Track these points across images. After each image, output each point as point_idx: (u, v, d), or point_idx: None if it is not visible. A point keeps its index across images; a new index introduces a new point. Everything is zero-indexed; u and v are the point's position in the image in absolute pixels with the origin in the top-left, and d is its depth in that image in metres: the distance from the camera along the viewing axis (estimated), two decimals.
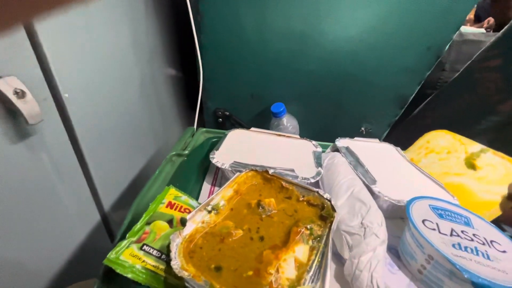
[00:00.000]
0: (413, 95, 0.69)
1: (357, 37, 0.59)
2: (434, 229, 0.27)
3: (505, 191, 0.36)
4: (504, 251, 0.27)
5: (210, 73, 0.71)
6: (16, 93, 0.29)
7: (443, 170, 0.42)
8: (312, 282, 0.23)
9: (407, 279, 0.28)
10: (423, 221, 0.28)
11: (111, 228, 0.55)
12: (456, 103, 0.63)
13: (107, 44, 0.47)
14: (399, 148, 0.49)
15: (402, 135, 0.74)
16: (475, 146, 0.42)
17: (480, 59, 0.58)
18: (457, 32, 0.60)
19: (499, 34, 0.55)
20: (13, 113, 0.31)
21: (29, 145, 0.34)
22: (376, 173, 0.38)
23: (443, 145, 0.44)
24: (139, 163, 0.64)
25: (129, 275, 0.23)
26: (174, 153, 0.45)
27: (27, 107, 0.30)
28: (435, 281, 0.26)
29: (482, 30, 0.89)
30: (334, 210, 0.30)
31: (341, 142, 0.47)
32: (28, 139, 0.33)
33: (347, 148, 0.45)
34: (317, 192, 0.33)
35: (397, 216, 0.37)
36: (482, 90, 0.56)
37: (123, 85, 0.54)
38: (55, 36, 0.36)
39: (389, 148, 0.49)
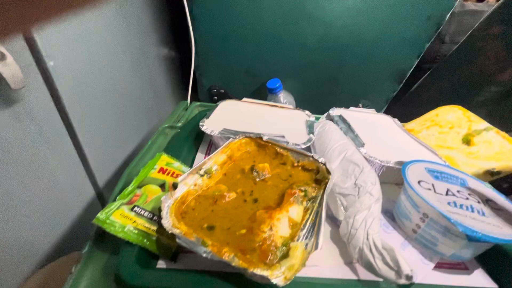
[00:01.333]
0: (412, 68, 0.67)
1: (355, 7, 0.57)
2: (429, 189, 0.27)
3: (490, 167, 0.36)
4: (499, 209, 0.27)
5: (203, 49, 0.69)
6: None
7: (438, 142, 0.42)
8: (305, 238, 0.23)
9: (401, 238, 0.28)
10: (419, 182, 0.28)
11: (106, 204, 0.55)
12: (455, 75, 0.61)
13: (93, 14, 0.45)
14: (396, 119, 0.48)
15: (400, 111, 0.73)
16: (481, 124, 0.42)
17: (481, 28, 0.56)
18: (458, 2, 0.58)
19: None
20: None
21: (14, 113, 0.32)
22: (366, 138, 0.38)
23: (449, 119, 0.44)
24: (133, 140, 0.63)
25: (120, 235, 0.23)
26: (166, 125, 0.44)
27: (8, 70, 0.29)
28: (429, 239, 0.26)
29: None
30: (329, 173, 0.30)
31: (335, 111, 0.46)
32: (13, 106, 0.32)
33: (340, 116, 0.44)
34: (312, 156, 0.32)
35: (390, 181, 0.36)
36: (482, 60, 0.55)
37: (112, 58, 0.52)
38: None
39: (385, 119, 0.49)
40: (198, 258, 0.24)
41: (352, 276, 0.25)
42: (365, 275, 0.25)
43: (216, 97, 0.80)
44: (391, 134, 0.43)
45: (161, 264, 0.24)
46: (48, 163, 0.39)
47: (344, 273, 0.25)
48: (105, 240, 0.26)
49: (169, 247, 0.24)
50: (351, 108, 0.49)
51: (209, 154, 0.40)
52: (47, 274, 0.36)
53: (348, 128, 0.41)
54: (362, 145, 0.36)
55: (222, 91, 0.78)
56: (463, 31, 0.64)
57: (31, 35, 0.33)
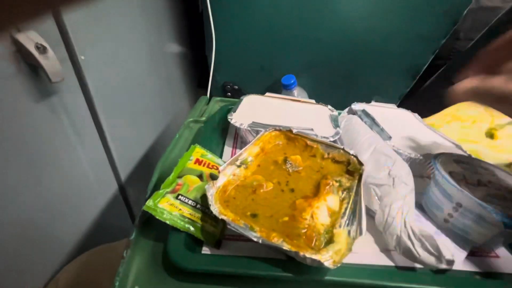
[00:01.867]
0: (427, 65, 0.68)
1: (372, 1, 0.58)
2: (461, 179, 0.28)
3: None
4: None
5: (219, 45, 0.69)
6: (37, 48, 0.29)
7: (461, 137, 0.43)
8: (347, 225, 0.24)
9: (433, 227, 0.29)
10: (450, 173, 0.29)
11: (128, 198, 0.56)
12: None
13: (119, 11, 0.46)
14: (416, 114, 0.49)
15: (413, 107, 0.74)
16: (504, 119, 0.42)
17: (497, 24, 0.56)
18: None
19: None
20: (35, 70, 0.30)
21: (50, 105, 0.33)
22: (391, 132, 0.38)
23: (471, 114, 0.44)
24: (151, 135, 0.64)
25: (168, 222, 0.23)
26: (191, 119, 0.45)
27: (49, 63, 0.29)
28: (462, 228, 0.27)
29: None
30: (361, 164, 0.31)
31: (357, 106, 0.47)
32: (50, 98, 0.33)
33: (363, 111, 0.45)
34: (343, 149, 0.33)
35: (415, 174, 0.37)
36: None
37: (134, 54, 0.53)
38: None
39: (405, 113, 0.49)
40: (241, 245, 0.25)
41: (390, 263, 0.25)
42: (402, 262, 0.25)
43: (229, 93, 0.80)
44: (414, 128, 0.43)
45: (205, 250, 0.25)
46: (79, 155, 0.40)
47: (382, 259, 0.26)
48: (148, 227, 0.26)
49: (213, 234, 0.25)
50: (372, 103, 0.49)
51: (236, 147, 0.41)
52: (79, 265, 0.37)
53: (372, 122, 0.41)
54: (389, 138, 0.36)
55: (236, 87, 0.79)
56: (478, 28, 0.65)
57: (66, 29, 0.34)
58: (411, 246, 0.23)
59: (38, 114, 0.32)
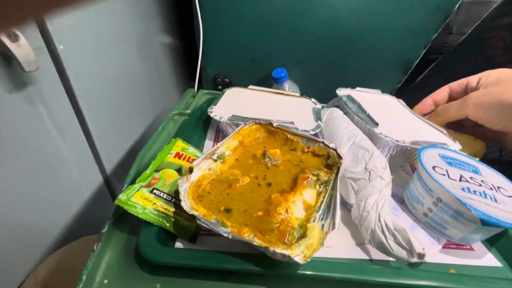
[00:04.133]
0: (418, 59, 0.67)
1: None
2: (444, 175, 0.28)
3: None
4: (510, 196, 0.27)
5: (209, 37, 0.68)
6: (9, 36, 0.28)
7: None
8: (321, 219, 0.24)
9: (410, 220, 0.29)
10: (433, 167, 0.28)
11: (114, 191, 0.55)
12: (462, 66, 0.61)
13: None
14: (401, 100, 0.49)
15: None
16: None
17: (489, 18, 0.56)
18: None
19: None
20: (8, 59, 0.29)
21: (26, 96, 0.32)
22: (378, 117, 0.38)
23: None
24: (138, 127, 0.63)
25: (141, 216, 0.23)
26: (176, 112, 0.44)
27: (21, 51, 0.28)
28: (439, 223, 0.27)
29: None
30: (340, 158, 0.30)
31: (342, 91, 0.46)
32: (25, 89, 0.32)
33: (349, 96, 0.44)
34: (323, 142, 0.33)
35: (398, 163, 0.37)
36: (489, 51, 0.55)
37: (119, 44, 0.51)
38: None
39: (390, 99, 0.49)
40: (216, 240, 0.25)
41: (364, 256, 0.25)
42: (377, 255, 0.25)
43: (220, 86, 0.79)
44: (399, 114, 0.43)
45: (179, 244, 0.24)
46: (59, 148, 0.39)
47: (357, 253, 0.26)
48: (122, 220, 0.26)
49: (188, 228, 0.24)
50: (358, 88, 0.49)
51: (217, 141, 0.40)
52: (60, 257, 0.36)
53: (358, 108, 0.41)
54: (376, 125, 0.36)
55: (227, 80, 0.78)
56: (471, 22, 0.64)
57: (42, 17, 0.33)
58: (384, 240, 0.23)
59: (12, 105, 0.31)
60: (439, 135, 0.37)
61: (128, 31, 0.54)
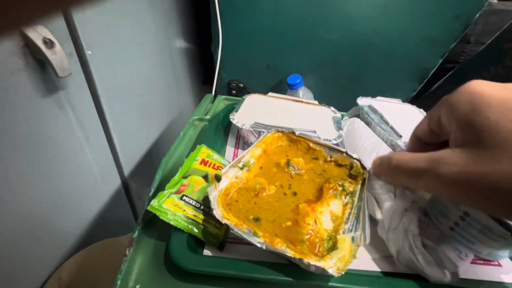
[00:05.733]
0: (435, 68, 0.67)
1: (381, 2, 0.57)
2: None
3: None
4: None
5: (226, 42, 0.69)
6: (45, 42, 0.29)
7: None
8: (350, 231, 0.24)
9: (436, 234, 0.29)
10: None
11: (130, 194, 0.56)
12: (481, 76, 0.61)
13: (127, 6, 0.46)
14: (422, 109, 0.48)
15: None
16: None
17: (510, 28, 0.55)
18: (488, 1, 0.57)
19: None
20: (43, 65, 0.30)
21: (57, 100, 0.33)
22: (400, 129, 0.37)
23: None
24: (155, 130, 0.64)
25: (172, 222, 0.24)
26: (196, 117, 0.45)
27: (56, 58, 0.29)
28: (467, 237, 0.27)
29: None
30: (364, 168, 0.30)
31: (363, 101, 0.46)
32: (57, 93, 0.33)
33: (370, 106, 0.44)
34: (346, 152, 0.33)
35: None
36: (510, 62, 0.54)
37: (141, 49, 0.52)
38: None
39: (411, 108, 0.48)
40: (243, 248, 0.25)
41: (391, 270, 0.25)
42: (404, 268, 0.25)
43: (234, 91, 0.80)
44: None
45: (207, 252, 0.25)
46: (84, 150, 0.40)
47: (384, 266, 0.25)
48: (151, 226, 0.27)
49: (216, 235, 0.25)
50: (378, 97, 0.49)
51: (238, 147, 0.41)
52: (82, 259, 0.37)
53: (380, 119, 0.40)
54: (400, 137, 0.36)
55: (241, 85, 0.78)
56: (490, 31, 0.64)
57: (74, 23, 0.34)
58: (413, 258, 0.23)
59: (45, 109, 0.32)
60: None
61: (149, 36, 0.55)
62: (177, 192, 0.26)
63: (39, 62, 0.30)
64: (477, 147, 0.18)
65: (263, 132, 0.37)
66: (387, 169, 0.25)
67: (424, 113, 0.47)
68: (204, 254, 0.25)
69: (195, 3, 0.77)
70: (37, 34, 0.28)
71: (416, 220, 0.25)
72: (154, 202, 0.24)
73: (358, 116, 0.45)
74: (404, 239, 0.24)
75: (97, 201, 0.46)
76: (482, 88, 0.19)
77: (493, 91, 0.18)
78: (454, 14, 0.56)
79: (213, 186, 0.26)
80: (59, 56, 0.30)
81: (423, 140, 0.27)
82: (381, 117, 0.40)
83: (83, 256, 0.37)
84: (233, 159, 0.38)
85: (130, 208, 0.57)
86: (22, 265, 0.34)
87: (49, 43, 0.29)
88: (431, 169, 0.20)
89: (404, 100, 0.76)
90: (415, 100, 0.75)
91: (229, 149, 0.40)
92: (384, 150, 0.33)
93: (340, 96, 0.76)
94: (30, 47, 0.28)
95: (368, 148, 0.35)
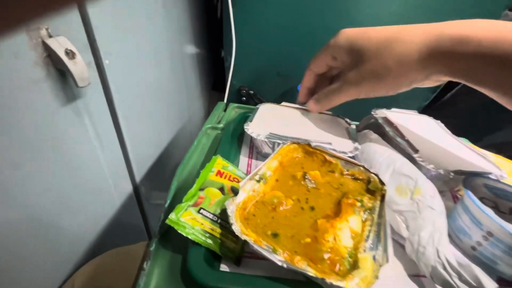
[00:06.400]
0: None
1: (398, 12, 0.56)
2: (493, 207, 0.27)
3: None
4: None
5: (237, 49, 0.69)
6: (67, 53, 0.29)
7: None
8: (371, 250, 0.23)
9: (458, 253, 0.28)
10: (481, 198, 0.28)
11: (141, 200, 0.56)
12: None
13: (143, 14, 0.46)
14: (439, 121, 0.47)
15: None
16: None
17: None
18: (504, 13, 0.56)
19: None
20: (63, 74, 0.31)
21: (75, 108, 0.34)
22: (417, 143, 0.37)
23: None
24: (165, 138, 0.64)
25: (190, 237, 0.23)
26: (209, 126, 0.45)
27: (77, 68, 0.30)
28: (490, 258, 0.26)
29: None
30: (382, 184, 0.30)
31: (378, 113, 0.45)
32: (75, 102, 0.33)
33: (385, 119, 0.43)
34: (363, 166, 0.32)
35: (441, 189, 0.36)
36: None
37: (155, 56, 0.53)
38: (98, 2, 0.35)
39: (428, 120, 0.48)
40: (260, 263, 0.25)
41: None
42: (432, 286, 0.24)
43: (244, 98, 0.80)
44: (439, 137, 0.41)
45: (224, 267, 0.24)
46: (98, 157, 0.40)
47: (410, 286, 0.25)
48: (166, 238, 0.26)
49: (233, 250, 0.24)
50: (393, 109, 0.48)
51: (251, 157, 0.41)
52: (94, 268, 0.37)
53: (395, 133, 0.40)
54: (416, 151, 0.35)
55: (251, 92, 0.79)
56: None
57: (93, 34, 0.35)
58: (448, 278, 0.22)
59: (63, 117, 0.32)
60: (482, 162, 0.36)
61: (163, 43, 0.55)
62: (194, 205, 0.26)
63: (60, 72, 0.30)
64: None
65: (278, 143, 0.37)
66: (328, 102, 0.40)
67: (441, 125, 0.46)
68: (221, 269, 0.24)
69: (207, 10, 0.78)
70: (59, 45, 0.28)
71: (446, 235, 0.24)
72: (172, 215, 0.24)
73: (370, 126, 0.45)
74: (436, 259, 0.23)
75: (109, 207, 0.46)
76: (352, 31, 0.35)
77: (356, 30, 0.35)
78: None
79: (231, 199, 0.26)
80: (80, 67, 0.30)
81: (318, 73, 0.41)
82: (396, 130, 0.40)
83: (96, 264, 0.37)
84: (247, 170, 0.38)
85: (140, 213, 0.58)
86: (37, 267, 0.34)
87: (70, 54, 0.29)
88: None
89: (417, 109, 0.76)
90: (428, 109, 0.74)
91: (243, 159, 0.40)
92: (401, 164, 0.33)
93: (352, 105, 0.76)
94: (52, 58, 0.29)
95: (384, 163, 0.34)
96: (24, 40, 0.26)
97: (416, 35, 0.30)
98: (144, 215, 0.58)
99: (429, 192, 0.28)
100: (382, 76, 0.32)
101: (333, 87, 0.38)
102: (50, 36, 0.28)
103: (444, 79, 0.31)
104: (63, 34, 0.30)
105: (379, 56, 0.32)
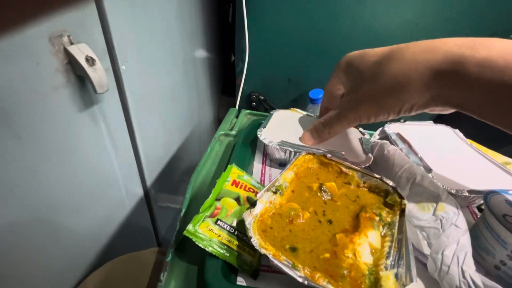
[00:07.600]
0: None
1: (413, 21, 0.56)
2: None
3: None
4: None
5: (250, 55, 0.69)
6: (87, 60, 0.29)
7: None
8: (393, 268, 0.23)
9: (481, 274, 0.27)
10: (504, 215, 0.27)
11: (151, 204, 0.56)
12: None
13: (157, 18, 0.46)
14: (457, 130, 0.46)
15: None
16: None
17: None
18: None
19: None
20: (82, 81, 0.31)
21: (92, 114, 0.34)
22: (431, 160, 0.36)
23: None
24: (176, 142, 0.64)
25: (208, 249, 0.23)
26: (222, 132, 0.45)
27: (96, 75, 0.30)
28: None
29: None
30: (401, 198, 0.29)
31: (390, 128, 0.44)
32: (92, 107, 0.34)
33: (398, 134, 0.42)
34: (380, 178, 0.32)
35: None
36: None
37: (169, 61, 0.53)
38: (118, 9, 0.35)
39: (445, 131, 0.46)
40: (278, 278, 0.24)
41: None
42: None
43: (254, 103, 0.80)
44: (456, 150, 0.40)
45: (241, 280, 0.24)
46: (112, 162, 0.40)
47: None
48: (182, 249, 0.26)
49: (251, 264, 0.24)
50: (408, 122, 0.47)
51: (265, 164, 0.40)
52: (105, 273, 0.37)
53: (409, 150, 0.39)
54: (429, 170, 0.34)
55: (262, 97, 0.78)
56: None
57: (112, 40, 0.35)
58: None
59: (80, 122, 0.33)
60: (502, 175, 0.35)
61: (177, 49, 0.56)
62: (211, 216, 0.25)
63: (79, 78, 0.30)
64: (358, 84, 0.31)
65: (289, 150, 0.37)
66: (327, 135, 0.37)
67: (460, 134, 0.45)
68: (238, 282, 0.24)
69: (219, 14, 0.79)
70: (80, 52, 0.29)
71: (470, 254, 0.24)
72: (189, 227, 0.24)
73: (387, 137, 0.44)
74: (461, 279, 0.22)
75: (121, 212, 0.46)
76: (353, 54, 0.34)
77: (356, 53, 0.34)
78: (488, 34, 0.54)
79: (248, 211, 0.25)
80: (99, 73, 0.30)
81: (333, 95, 0.39)
82: (410, 146, 0.39)
83: (108, 269, 0.37)
84: (261, 178, 0.38)
85: (150, 218, 0.57)
86: (48, 270, 0.34)
87: (90, 61, 0.29)
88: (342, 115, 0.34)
89: (429, 118, 0.74)
90: (441, 118, 0.73)
91: (257, 166, 0.40)
92: (421, 177, 0.32)
93: None
94: (72, 64, 0.29)
95: (403, 176, 0.33)
96: (46, 47, 0.26)
97: (416, 53, 0.26)
98: (153, 218, 0.58)
99: (453, 209, 0.27)
100: (379, 99, 0.29)
101: (330, 115, 0.35)
102: (72, 43, 0.29)
103: (449, 107, 0.26)
104: (83, 41, 0.30)
105: (376, 77, 0.29)
